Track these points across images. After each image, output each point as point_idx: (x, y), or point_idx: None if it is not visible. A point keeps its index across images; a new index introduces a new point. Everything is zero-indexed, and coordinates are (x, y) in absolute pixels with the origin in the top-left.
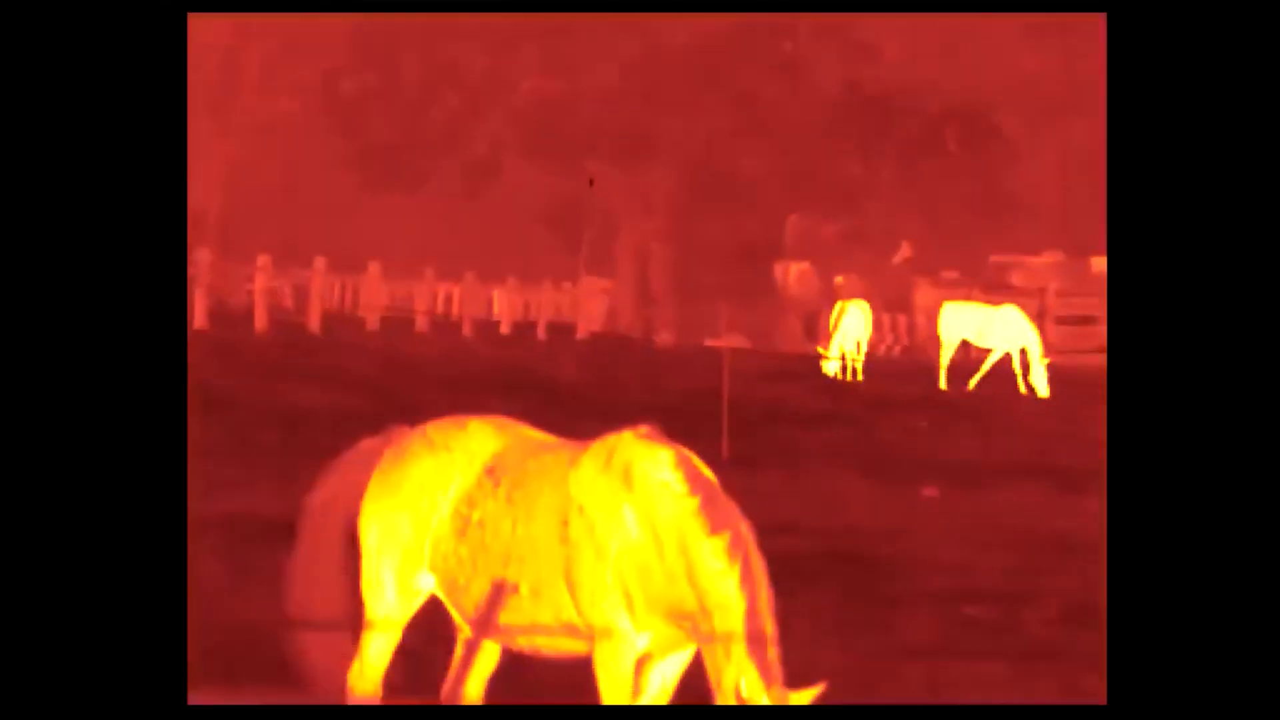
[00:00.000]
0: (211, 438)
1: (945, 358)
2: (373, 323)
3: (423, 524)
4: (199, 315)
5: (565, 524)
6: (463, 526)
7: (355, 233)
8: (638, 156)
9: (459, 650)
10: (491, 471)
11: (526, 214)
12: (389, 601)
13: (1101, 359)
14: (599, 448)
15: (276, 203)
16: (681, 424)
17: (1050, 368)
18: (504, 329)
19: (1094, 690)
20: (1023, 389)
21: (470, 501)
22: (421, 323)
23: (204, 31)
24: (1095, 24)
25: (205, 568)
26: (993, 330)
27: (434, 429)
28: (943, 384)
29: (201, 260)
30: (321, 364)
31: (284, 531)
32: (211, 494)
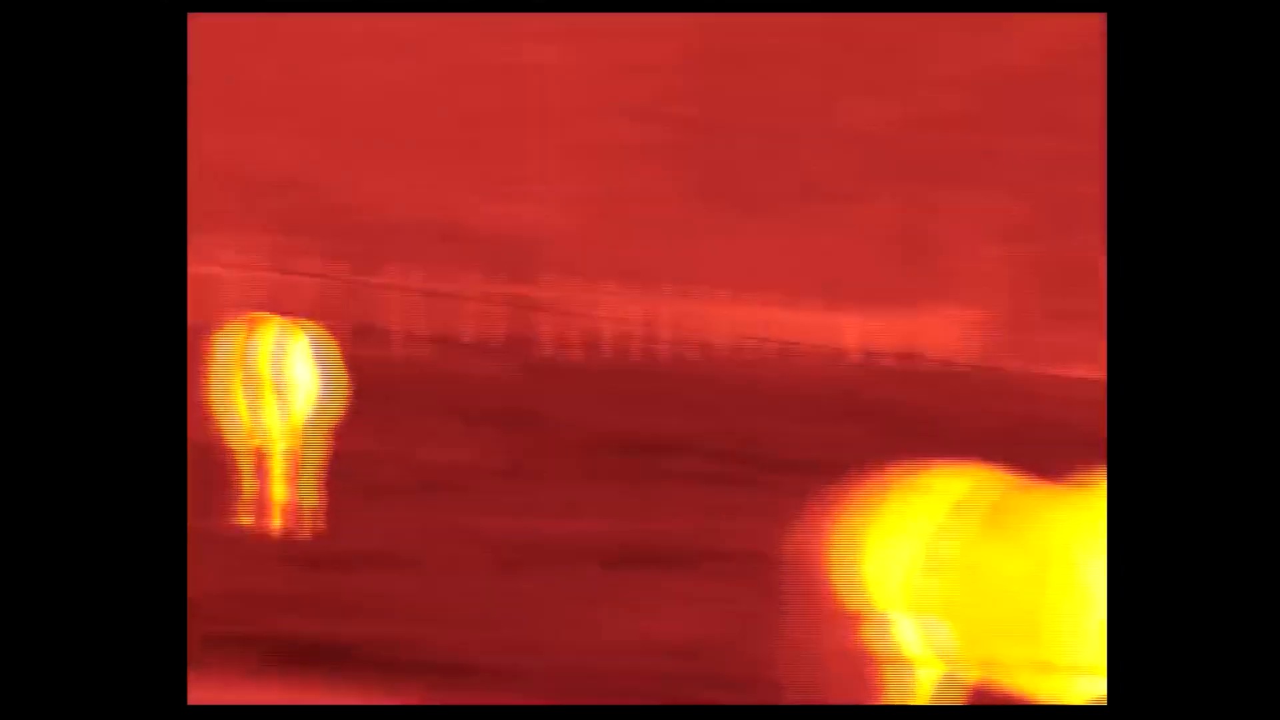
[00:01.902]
0: (555, 464)
1: None
2: (720, 350)
3: (893, 565)
4: (546, 342)
5: (1047, 564)
6: (933, 564)
7: (703, 258)
8: (983, 177)
9: None
10: (962, 508)
11: (874, 239)
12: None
13: None
14: (1086, 490)
15: (624, 227)
16: (1024, 452)
17: None
18: (852, 357)
19: None
20: None
21: (939, 538)
22: (767, 350)
23: (537, 53)
24: None
25: (563, 592)
26: None
27: (903, 474)
28: None
29: (549, 285)
30: (668, 391)
31: (638, 558)
32: (552, 517)
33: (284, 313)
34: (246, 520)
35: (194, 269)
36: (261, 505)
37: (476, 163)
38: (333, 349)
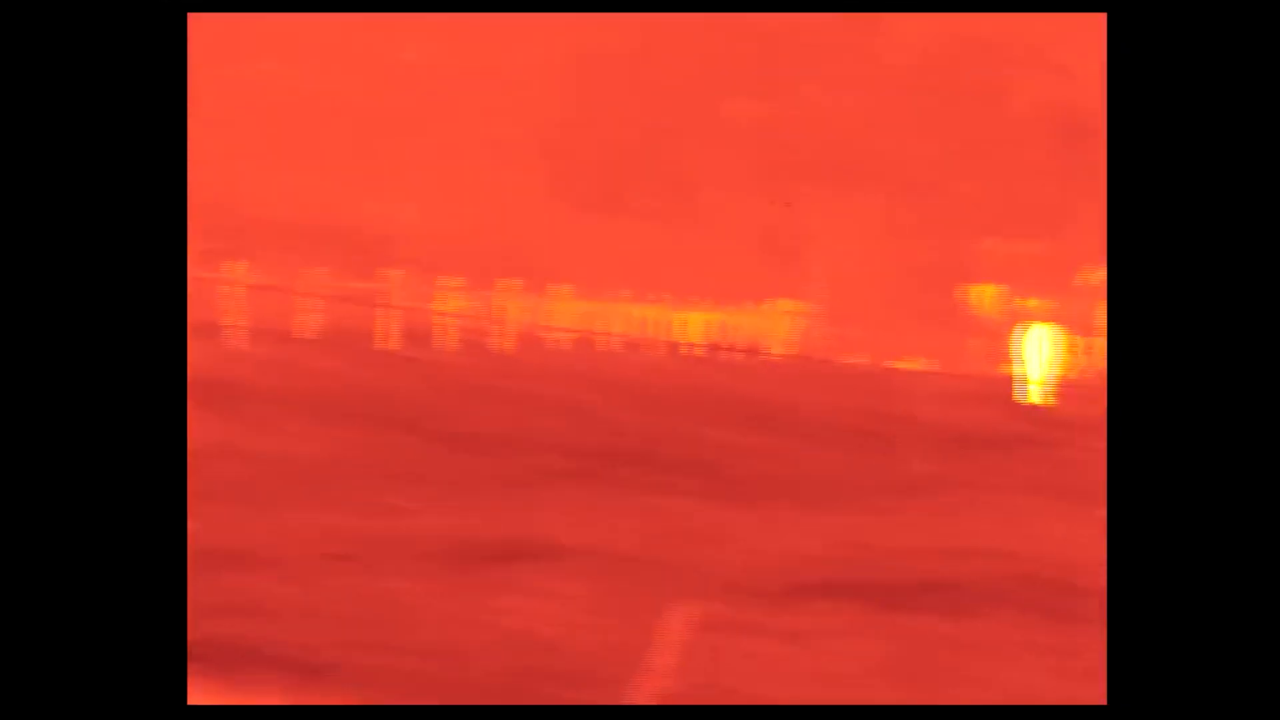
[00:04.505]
0: (399, 459)
1: None
2: (565, 344)
3: None
4: (392, 336)
5: None
6: None
7: (552, 254)
8: (835, 177)
9: None
10: None
11: (724, 235)
12: None
13: None
14: None
15: (473, 223)
16: (871, 444)
17: None
18: (698, 351)
19: None
20: None
21: None
22: (615, 344)
23: (412, 52)
24: None
25: (419, 589)
26: None
27: None
28: None
29: (393, 280)
30: (512, 385)
31: (490, 551)
32: (408, 514)
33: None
34: None
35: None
36: None
37: (341, 160)
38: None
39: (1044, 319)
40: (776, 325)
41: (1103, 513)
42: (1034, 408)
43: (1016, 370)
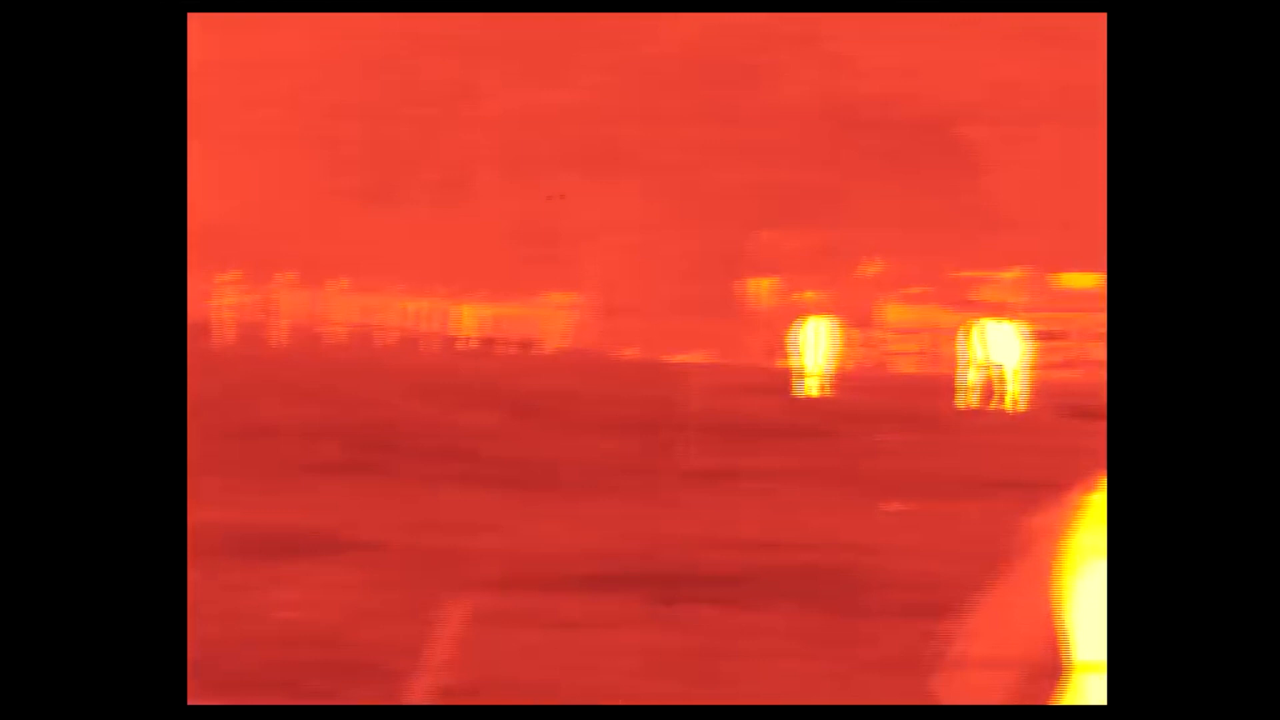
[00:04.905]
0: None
1: (976, 377)
2: (340, 337)
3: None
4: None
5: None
6: None
7: (326, 247)
8: (608, 169)
9: None
10: None
11: (496, 228)
12: None
13: (1068, 373)
14: None
15: (248, 216)
16: (646, 438)
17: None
18: (471, 344)
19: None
20: (1008, 404)
21: None
22: (389, 337)
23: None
24: (1091, 27)
25: (194, 581)
26: (997, 346)
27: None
28: (974, 403)
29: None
30: (287, 378)
31: (266, 544)
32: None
33: None
34: None
35: None
36: None
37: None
38: None
39: (821, 311)
40: (550, 318)
41: (885, 504)
42: (811, 399)
43: (793, 362)
